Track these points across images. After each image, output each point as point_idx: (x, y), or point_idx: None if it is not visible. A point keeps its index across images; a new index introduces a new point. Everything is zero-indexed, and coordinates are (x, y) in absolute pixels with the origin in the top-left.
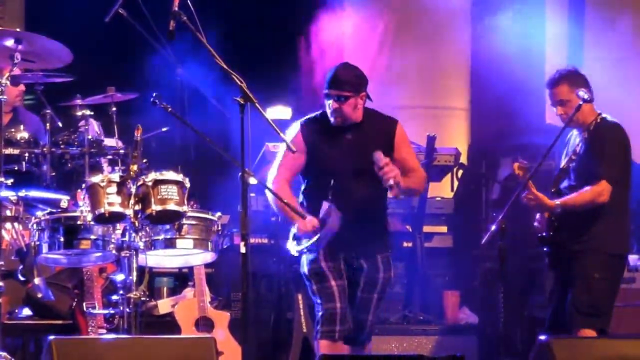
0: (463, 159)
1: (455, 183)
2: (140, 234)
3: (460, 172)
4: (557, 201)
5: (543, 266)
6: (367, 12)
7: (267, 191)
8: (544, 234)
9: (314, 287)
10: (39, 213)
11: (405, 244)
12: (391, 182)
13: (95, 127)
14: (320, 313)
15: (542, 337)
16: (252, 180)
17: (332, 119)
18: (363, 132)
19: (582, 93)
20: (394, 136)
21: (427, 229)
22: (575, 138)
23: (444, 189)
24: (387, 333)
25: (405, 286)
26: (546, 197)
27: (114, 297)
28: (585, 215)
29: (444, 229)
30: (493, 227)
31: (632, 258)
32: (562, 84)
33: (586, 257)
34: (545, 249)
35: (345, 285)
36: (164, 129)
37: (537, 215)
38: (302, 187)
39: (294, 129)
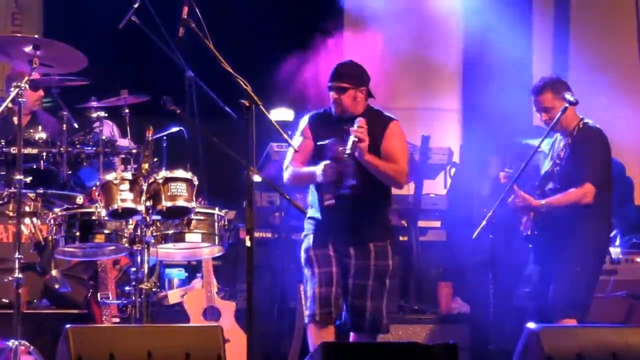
0: (455, 158)
1: (448, 180)
2: (151, 228)
3: (453, 170)
4: (543, 201)
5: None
6: (366, 19)
7: (285, 177)
8: (528, 232)
9: (306, 274)
10: (56, 209)
11: (401, 238)
12: (353, 137)
13: (112, 128)
14: (308, 299)
15: (530, 326)
16: (257, 178)
17: (333, 110)
18: None
19: (569, 96)
20: (387, 129)
21: (421, 223)
22: (559, 142)
23: (437, 186)
24: None
25: (401, 277)
26: (532, 197)
27: (127, 288)
28: (569, 214)
29: (437, 223)
30: (483, 222)
31: (615, 251)
32: (546, 91)
33: (569, 253)
34: (530, 245)
35: (332, 272)
36: (174, 130)
37: (523, 219)
38: None
39: (303, 120)
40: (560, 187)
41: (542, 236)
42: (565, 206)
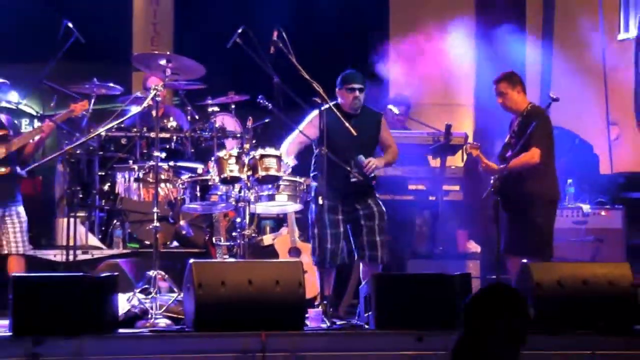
0: (470, 140)
1: (464, 157)
2: (251, 191)
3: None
4: (502, 166)
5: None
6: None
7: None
8: (493, 189)
9: (315, 231)
10: (183, 177)
11: (430, 198)
12: (373, 174)
13: (230, 120)
14: (315, 248)
15: (524, 262)
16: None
17: (349, 107)
18: (360, 120)
19: (552, 94)
20: (380, 123)
21: (445, 187)
22: (514, 120)
23: (457, 161)
24: (418, 258)
25: (430, 227)
26: (495, 163)
27: (234, 234)
28: (524, 173)
29: (457, 187)
30: (490, 188)
31: (585, 207)
32: (502, 81)
33: (529, 204)
34: (497, 198)
35: (340, 232)
36: (267, 120)
37: (492, 178)
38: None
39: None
40: (516, 154)
41: (504, 190)
42: (519, 166)
